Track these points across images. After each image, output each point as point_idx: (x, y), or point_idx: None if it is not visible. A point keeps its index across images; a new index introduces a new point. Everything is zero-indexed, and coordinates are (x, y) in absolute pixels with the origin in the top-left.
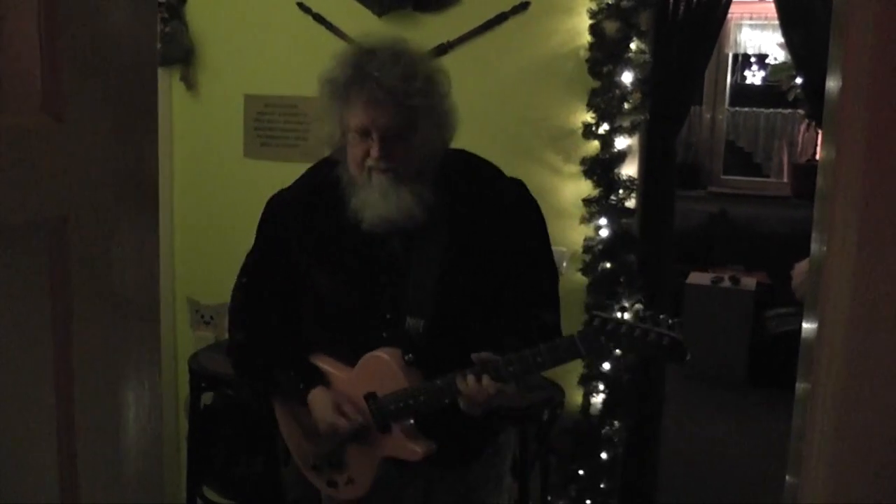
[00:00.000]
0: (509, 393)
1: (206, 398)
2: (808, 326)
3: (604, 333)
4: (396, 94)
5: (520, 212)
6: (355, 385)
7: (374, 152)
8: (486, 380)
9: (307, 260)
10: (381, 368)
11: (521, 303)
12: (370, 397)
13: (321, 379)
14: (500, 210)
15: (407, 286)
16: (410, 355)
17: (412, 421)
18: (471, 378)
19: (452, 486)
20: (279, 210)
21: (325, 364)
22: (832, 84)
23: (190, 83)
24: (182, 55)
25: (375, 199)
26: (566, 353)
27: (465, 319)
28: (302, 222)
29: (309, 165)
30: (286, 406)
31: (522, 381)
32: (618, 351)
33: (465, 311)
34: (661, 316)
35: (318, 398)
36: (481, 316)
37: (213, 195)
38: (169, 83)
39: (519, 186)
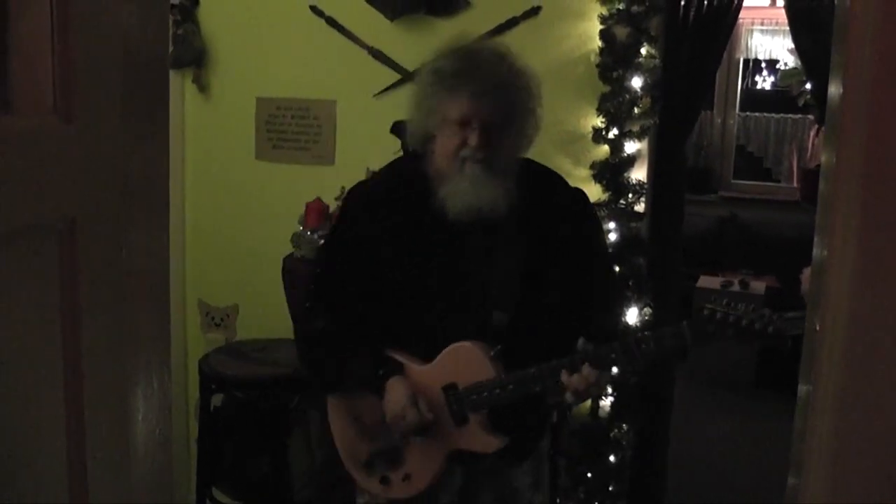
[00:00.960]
0: (604, 383)
1: (216, 400)
2: (809, 329)
3: (713, 322)
4: (501, 87)
5: (588, 220)
6: (434, 376)
7: (473, 141)
8: (586, 368)
9: (391, 252)
10: (469, 359)
11: (591, 303)
12: (450, 388)
13: (399, 369)
14: (572, 216)
15: (491, 281)
16: (499, 347)
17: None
18: (576, 368)
19: (499, 485)
20: (361, 202)
21: (403, 357)
22: (833, 90)
23: (202, 85)
24: (194, 57)
25: (465, 189)
26: (673, 341)
27: (543, 316)
28: (385, 215)
29: (320, 168)
30: (344, 401)
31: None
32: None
33: (542, 307)
34: (766, 310)
35: (395, 386)
36: (555, 313)
37: (224, 197)
38: (181, 85)
39: (584, 196)
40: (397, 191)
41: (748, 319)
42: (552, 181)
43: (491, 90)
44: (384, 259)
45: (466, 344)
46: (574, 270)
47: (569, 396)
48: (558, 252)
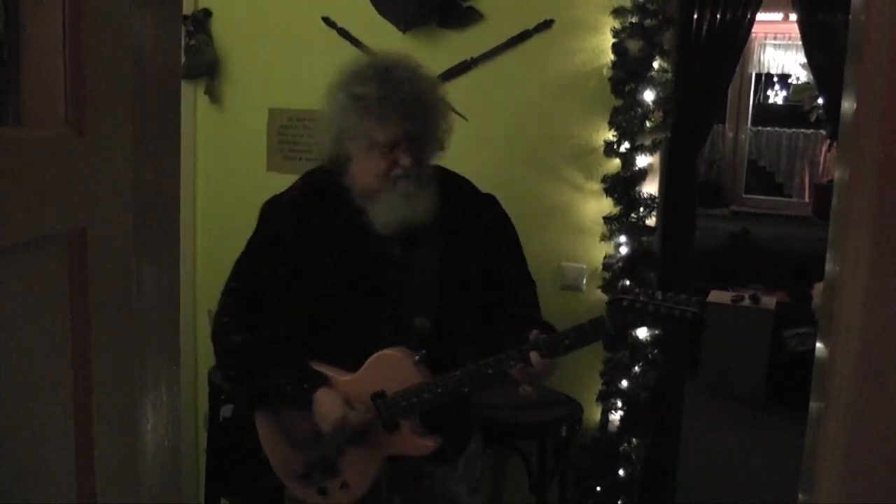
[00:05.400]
0: (552, 370)
1: (226, 411)
2: (821, 346)
3: (632, 312)
4: (424, 105)
5: (504, 224)
6: (361, 385)
7: (406, 162)
8: (534, 356)
9: (312, 264)
10: (394, 366)
11: (510, 304)
12: (378, 396)
13: (325, 381)
14: (487, 219)
15: (411, 288)
16: (424, 352)
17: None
18: (532, 355)
19: (435, 492)
20: (278, 215)
21: (325, 369)
22: (847, 105)
23: (214, 96)
24: (207, 68)
25: (400, 204)
26: (595, 334)
27: (464, 319)
28: (305, 227)
29: None
30: (273, 416)
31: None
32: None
33: (463, 310)
34: (683, 295)
35: (325, 396)
36: (475, 316)
37: (235, 208)
38: (193, 96)
39: (496, 200)
40: (316, 203)
41: (666, 308)
42: (465, 187)
43: (416, 111)
44: (305, 271)
45: (391, 351)
46: (493, 273)
47: (520, 382)
48: (476, 256)
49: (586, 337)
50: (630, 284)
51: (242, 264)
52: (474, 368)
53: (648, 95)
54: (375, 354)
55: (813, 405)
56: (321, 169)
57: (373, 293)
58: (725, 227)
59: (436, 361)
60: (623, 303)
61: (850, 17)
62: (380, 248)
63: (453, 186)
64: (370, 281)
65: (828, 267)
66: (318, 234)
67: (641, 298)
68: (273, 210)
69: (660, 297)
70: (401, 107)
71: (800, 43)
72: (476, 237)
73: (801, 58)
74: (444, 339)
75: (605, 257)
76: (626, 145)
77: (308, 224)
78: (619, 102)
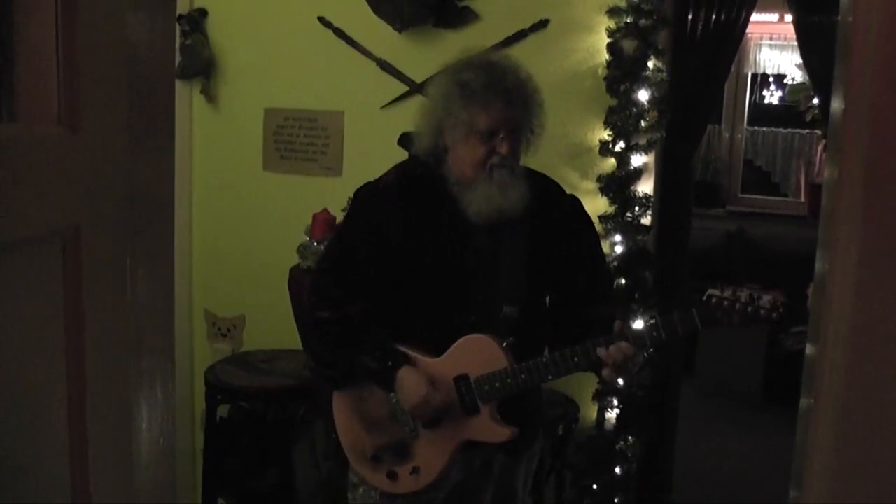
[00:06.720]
0: (640, 360)
1: (222, 411)
2: (811, 343)
3: (720, 309)
4: (524, 96)
5: (587, 223)
6: (445, 367)
7: (504, 150)
8: (624, 343)
9: (405, 249)
10: (481, 350)
11: (586, 298)
12: (461, 379)
13: (408, 360)
14: (572, 217)
15: (500, 276)
16: (512, 339)
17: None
18: (613, 347)
19: (500, 484)
20: (374, 200)
21: (410, 351)
22: (836, 105)
23: (210, 96)
24: (202, 68)
25: (495, 193)
26: (684, 327)
27: (546, 308)
28: (399, 213)
29: (328, 179)
30: (352, 396)
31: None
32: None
33: (545, 300)
34: (768, 296)
35: (408, 374)
36: (561, 308)
37: (231, 208)
38: (189, 96)
39: (579, 201)
40: (410, 192)
41: (753, 308)
42: (551, 185)
43: (517, 100)
44: (397, 255)
45: (479, 335)
46: (573, 269)
47: (606, 373)
48: (558, 251)
49: (673, 329)
50: (718, 285)
51: (334, 246)
52: (560, 356)
53: (643, 95)
54: (463, 338)
55: (803, 402)
56: (416, 159)
57: (462, 280)
58: (722, 226)
59: (521, 350)
60: (712, 299)
61: (839, 18)
62: (470, 237)
63: (541, 184)
64: (460, 268)
65: (818, 265)
66: (411, 219)
67: (729, 297)
68: (367, 195)
69: (744, 298)
70: (503, 95)
71: (795, 43)
72: (559, 233)
73: (797, 58)
74: (530, 329)
75: None
76: (621, 145)
77: (401, 210)
78: (614, 102)
